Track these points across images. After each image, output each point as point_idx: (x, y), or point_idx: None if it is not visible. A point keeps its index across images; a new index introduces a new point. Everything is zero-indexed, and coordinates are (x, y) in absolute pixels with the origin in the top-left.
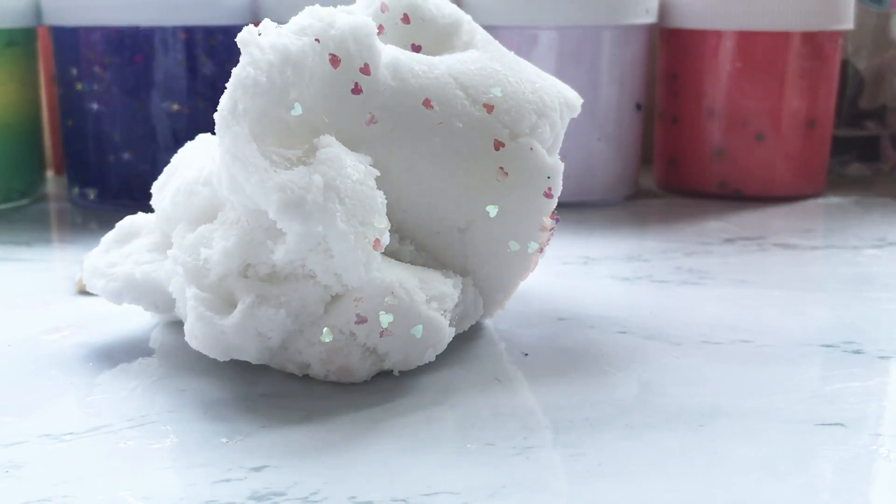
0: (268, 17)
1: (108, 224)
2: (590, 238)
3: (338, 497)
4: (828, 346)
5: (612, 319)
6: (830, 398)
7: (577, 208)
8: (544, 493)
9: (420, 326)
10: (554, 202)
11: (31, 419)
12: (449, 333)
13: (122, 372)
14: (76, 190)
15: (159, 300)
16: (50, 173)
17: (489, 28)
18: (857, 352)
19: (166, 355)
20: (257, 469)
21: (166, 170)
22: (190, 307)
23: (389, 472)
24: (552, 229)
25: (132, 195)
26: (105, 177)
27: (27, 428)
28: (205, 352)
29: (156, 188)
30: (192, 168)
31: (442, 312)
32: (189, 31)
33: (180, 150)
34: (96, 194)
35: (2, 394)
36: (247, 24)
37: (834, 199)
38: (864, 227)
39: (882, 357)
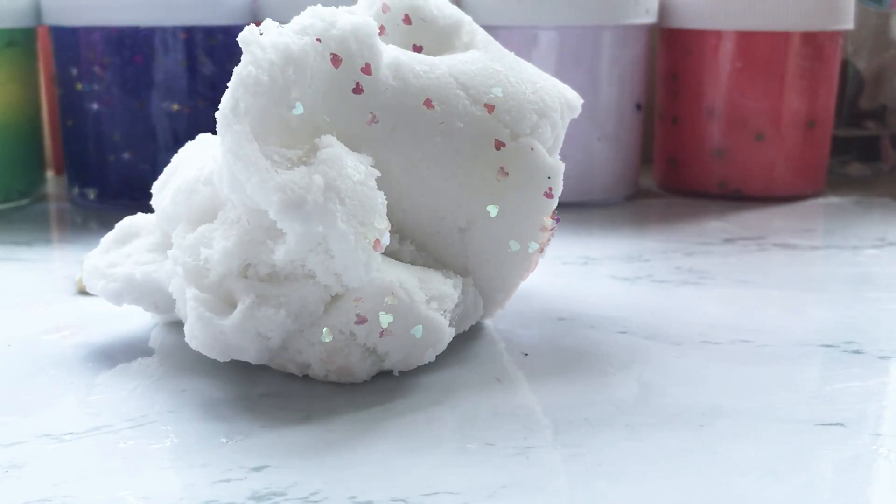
0: (268, 16)
1: (108, 224)
2: (590, 238)
3: (338, 497)
4: (828, 346)
5: (612, 319)
6: (830, 398)
7: (577, 208)
8: (544, 493)
9: (420, 326)
10: (554, 202)
11: (31, 419)
12: (449, 333)
13: (122, 372)
14: (76, 190)
15: (159, 301)
16: (50, 173)
17: (489, 28)
18: (857, 352)
19: (166, 355)
20: (257, 469)
21: (166, 170)
22: (190, 308)
23: (389, 472)
24: (552, 229)
25: (132, 195)
26: (105, 177)
27: (27, 428)
28: (205, 352)
29: (156, 188)
30: (192, 167)
31: (442, 312)
32: (189, 31)
33: (181, 150)
34: (96, 194)
35: (2, 394)
36: (247, 24)
37: (834, 199)
38: (864, 227)
39: (882, 357)
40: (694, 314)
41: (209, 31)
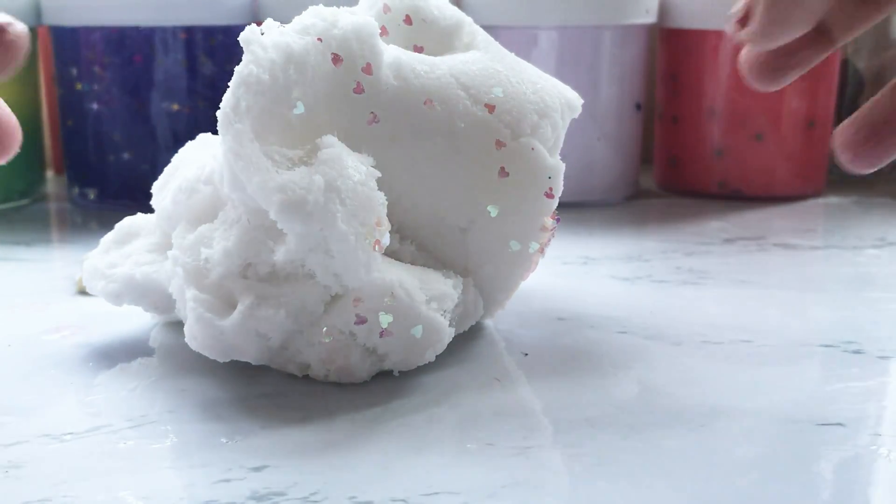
0: (268, 16)
1: (108, 224)
2: (590, 238)
3: (338, 497)
4: (828, 346)
5: (612, 319)
6: (830, 398)
7: (577, 208)
8: (544, 493)
9: (420, 326)
10: (555, 202)
11: (31, 419)
12: (449, 333)
13: (122, 372)
14: (76, 190)
15: (159, 301)
16: (50, 173)
17: (489, 28)
18: (857, 352)
19: (166, 355)
20: (257, 469)
21: (166, 170)
22: (189, 308)
23: (389, 472)
24: (553, 229)
25: (132, 195)
26: (105, 177)
27: (27, 428)
28: (205, 353)
29: (156, 188)
30: (193, 167)
31: (442, 312)
32: (189, 31)
33: (181, 150)
34: (96, 194)
35: (2, 394)
36: (247, 24)
37: (834, 199)
38: (864, 227)
39: (882, 357)
40: (694, 314)
41: (209, 31)
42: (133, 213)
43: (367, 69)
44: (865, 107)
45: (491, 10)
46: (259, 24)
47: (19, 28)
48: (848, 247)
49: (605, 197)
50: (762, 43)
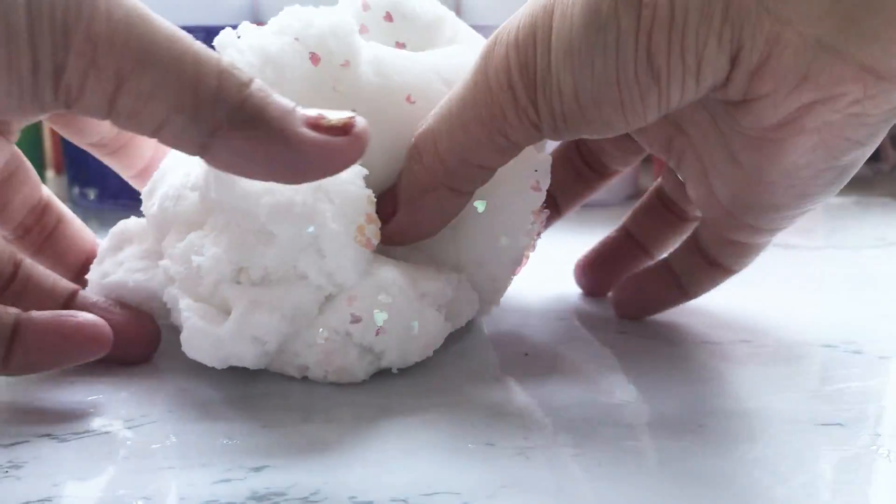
0: (268, 17)
1: (108, 224)
2: (590, 238)
3: (338, 497)
4: (828, 346)
5: (613, 319)
6: (830, 398)
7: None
8: (544, 493)
9: (415, 323)
10: (542, 196)
11: (31, 419)
12: (445, 329)
13: (122, 372)
14: (76, 190)
15: (154, 308)
16: (50, 173)
17: (487, 28)
18: (857, 352)
19: (166, 355)
20: (257, 469)
21: (154, 175)
22: (184, 318)
23: (389, 473)
24: (542, 223)
25: (132, 195)
26: (105, 177)
27: (27, 428)
28: (202, 360)
29: (145, 194)
30: (179, 173)
31: (436, 308)
32: (189, 31)
33: (167, 155)
34: (96, 194)
35: (2, 394)
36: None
37: (834, 199)
38: (864, 227)
39: (882, 357)
40: (694, 314)
41: (209, 31)
42: (133, 212)
43: (346, 66)
44: (599, 242)
45: (491, 10)
46: (260, 24)
47: (363, 124)
48: (848, 247)
49: (605, 197)
50: (397, 243)
